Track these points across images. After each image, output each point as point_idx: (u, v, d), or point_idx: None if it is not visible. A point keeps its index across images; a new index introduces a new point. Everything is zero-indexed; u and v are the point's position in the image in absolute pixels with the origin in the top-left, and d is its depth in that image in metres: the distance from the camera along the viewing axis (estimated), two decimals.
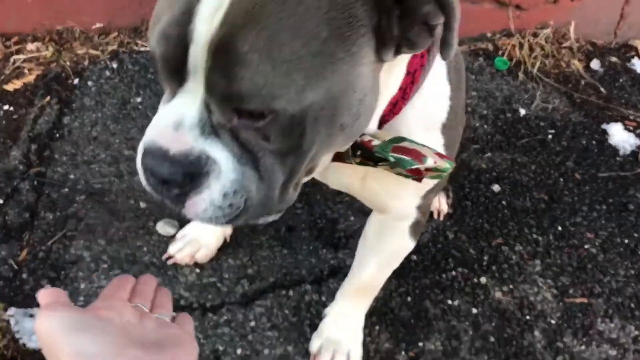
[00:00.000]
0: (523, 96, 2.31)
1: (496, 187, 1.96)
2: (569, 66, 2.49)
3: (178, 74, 0.69)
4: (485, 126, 2.18)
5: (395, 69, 0.82)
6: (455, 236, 1.82)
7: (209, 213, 0.74)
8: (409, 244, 1.30)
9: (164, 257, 1.69)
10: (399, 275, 1.70)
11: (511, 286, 1.71)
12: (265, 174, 0.74)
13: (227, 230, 1.72)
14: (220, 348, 1.53)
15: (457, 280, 1.71)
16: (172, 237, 1.74)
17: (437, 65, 0.92)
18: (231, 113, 0.69)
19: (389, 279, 1.68)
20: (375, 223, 1.34)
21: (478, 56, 2.47)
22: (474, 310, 1.65)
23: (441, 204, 1.87)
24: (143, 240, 1.73)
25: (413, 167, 0.85)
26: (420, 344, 1.58)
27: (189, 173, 0.71)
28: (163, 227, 1.76)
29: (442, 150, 0.99)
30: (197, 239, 1.68)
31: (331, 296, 1.65)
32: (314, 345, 1.53)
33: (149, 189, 0.77)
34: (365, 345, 1.55)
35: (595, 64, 2.48)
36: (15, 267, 1.66)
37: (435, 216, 1.86)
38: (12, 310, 1.55)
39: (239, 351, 1.53)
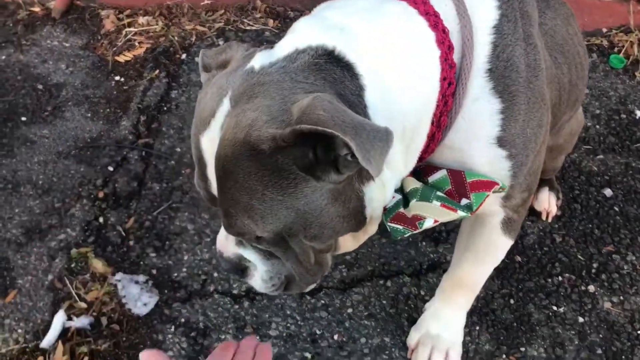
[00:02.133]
0: None
1: (608, 192, 1.86)
2: None
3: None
4: (598, 126, 2.07)
5: (408, 143, 0.96)
6: (563, 240, 1.74)
7: (264, 289, 1.07)
8: (502, 241, 1.25)
9: None
10: (502, 276, 1.65)
11: (622, 297, 1.61)
12: (288, 262, 1.02)
13: None
14: (318, 332, 1.53)
15: (563, 286, 1.64)
16: None
17: (474, 88, 0.98)
18: (243, 237, 1.00)
19: (491, 279, 1.63)
20: (469, 219, 1.29)
21: (592, 52, 2.34)
22: (581, 319, 1.57)
23: (550, 205, 1.79)
24: None
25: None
26: (522, 348, 1.52)
27: (238, 268, 1.06)
28: None
29: (504, 162, 1.03)
30: None
31: (430, 291, 1.61)
32: (412, 338, 1.50)
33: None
34: (464, 344, 1.51)
35: None
36: (123, 233, 1.71)
37: (544, 217, 1.78)
38: (119, 276, 1.61)
39: (335, 336, 1.53)
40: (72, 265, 1.63)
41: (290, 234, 0.94)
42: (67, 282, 1.59)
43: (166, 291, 1.60)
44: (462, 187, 1.01)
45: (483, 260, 1.35)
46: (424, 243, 1.72)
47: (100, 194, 1.80)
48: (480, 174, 1.02)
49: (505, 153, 1.02)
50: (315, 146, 0.85)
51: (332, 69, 0.89)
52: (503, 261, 1.67)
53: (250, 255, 1.03)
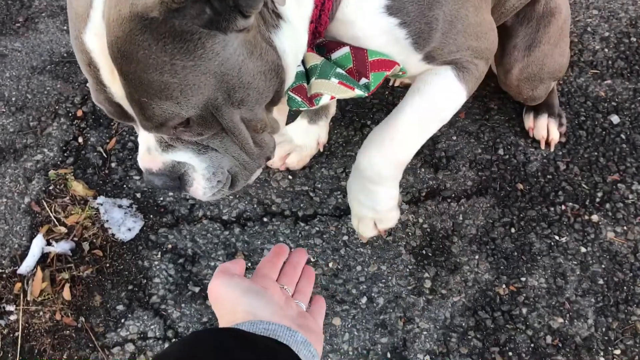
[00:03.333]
0: None
1: (615, 118, 1.77)
2: None
3: (128, 118, 0.89)
4: (606, 50, 1.96)
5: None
6: (567, 167, 1.66)
7: (208, 193, 0.96)
8: (454, 86, 1.12)
9: None
10: (503, 204, 1.58)
11: (625, 227, 1.56)
12: (223, 151, 0.94)
13: (321, 139, 1.61)
14: (312, 259, 1.47)
15: (566, 215, 1.58)
16: None
17: None
18: (168, 131, 0.89)
19: (492, 207, 1.57)
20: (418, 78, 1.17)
21: None
22: (583, 249, 1.52)
23: (551, 132, 1.70)
24: None
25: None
26: (523, 278, 1.47)
27: (175, 177, 0.94)
28: None
29: (398, 30, 0.99)
30: (291, 140, 1.58)
31: (429, 218, 1.55)
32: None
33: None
34: (463, 274, 1.46)
35: None
36: (104, 155, 1.61)
37: (543, 146, 1.70)
38: (101, 199, 1.51)
39: (330, 264, 1.47)
40: (50, 188, 1.53)
41: (216, 106, 0.86)
42: (45, 205, 1.50)
43: (152, 216, 1.52)
44: (363, 66, 0.99)
45: (429, 107, 1.13)
46: (422, 169, 1.64)
47: (79, 113, 1.68)
48: (381, 53, 1.00)
49: (397, 21, 0.98)
50: (209, 1, 0.79)
51: None
52: (504, 189, 1.62)
53: (183, 155, 0.93)
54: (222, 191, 0.98)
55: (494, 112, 1.79)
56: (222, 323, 0.75)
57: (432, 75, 1.12)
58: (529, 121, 1.73)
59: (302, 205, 1.55)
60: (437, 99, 1.13)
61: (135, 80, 0.81)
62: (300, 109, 0.99)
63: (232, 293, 0.76)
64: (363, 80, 1.00)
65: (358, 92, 0.98)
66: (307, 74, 0.99)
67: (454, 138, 1.71)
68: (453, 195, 1.60)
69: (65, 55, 1.81)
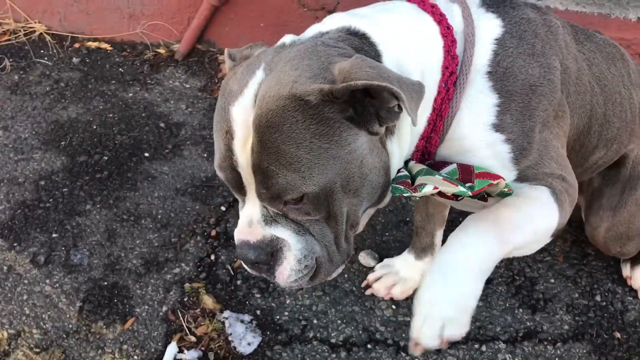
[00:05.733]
0: None
1: None
2: None
3: (241, 189, 1.04)
4: None
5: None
6: None
7: (292, 277, 1.06)
8: (550, 205, 1.11)
9: (363, 284, 1.78)
10: (599, 351, 1.64)
11: None
12: (319, 237, 1.05)
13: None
14: None
15: None
16: (371, 269, 1.82)
17: (476, 84, 1.11)
18: (279, 204, 1.02)
19: (588, 354, 1.63)
20: None
21: None
22: None
23: (634, 277, 1.76)
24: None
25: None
26: None
27: (269, 252, 1.04)
28: (365, 258, 1.84)
29: (503, 145, 1.11)
30: (397, 272, 1.74)
31: (525, 359, 1.63)
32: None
33: (250, 270, 1.12)
34: None
35: None
36: (232, 272, 1.83)
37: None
38: (227, 313, 1.72)
39: None
40: (185, 299, 1.76)
41: (332, 189, 1.00)
42: (180, 315, 1.72)
43: (268, 332, 1.69)
44: (468, 176, 1.09)
45: (520, 209, 1.09)
46: (520, 310, 1.73)
47: (213, 232, 1.93)
48: (487, 167, 1.11)
49: (503, 137, 1.12)
50: (355, 103, 0.97)
51: (352, 38, 1.05)
52: (601, 336, 1.67)
53: (283, 232, 1.03)
54: (304, 279, 1.07)
55: (591, 257, 1.87)
56: None
57: (528, 189, 1.13)
58: (626, 270, 1.80)
59: (404, 335, 1.67)
60: (531, 209, 1.10)
61: (272, 149, 0.95)
62: (404, 195, 1.04)
63: None
64: (467, 184, 1.07)
65: (461, 189, 1.04)
66: (412, 181, 1.09)
67: (552, 281, 1.80)
68: (550, 338, 1.67)
69: (204, 179, 2.10)
